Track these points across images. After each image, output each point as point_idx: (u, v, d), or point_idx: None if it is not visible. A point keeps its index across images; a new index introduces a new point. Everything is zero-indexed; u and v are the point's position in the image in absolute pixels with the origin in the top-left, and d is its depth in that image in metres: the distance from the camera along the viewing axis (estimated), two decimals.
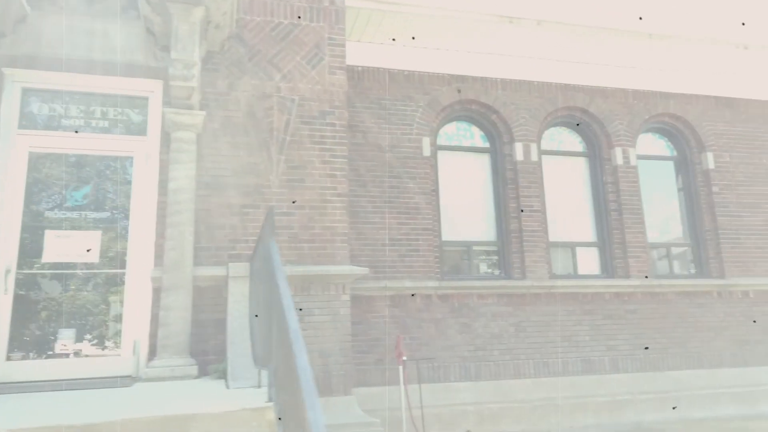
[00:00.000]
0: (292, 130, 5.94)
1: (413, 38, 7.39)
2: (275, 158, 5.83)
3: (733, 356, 7.98)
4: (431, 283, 7.16)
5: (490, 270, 7.92)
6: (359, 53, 7.57)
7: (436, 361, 7.06)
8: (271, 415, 3.13)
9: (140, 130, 5.68)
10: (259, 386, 4.00)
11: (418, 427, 6.11)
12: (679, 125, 8.74)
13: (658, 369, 7.70)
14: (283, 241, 5.69)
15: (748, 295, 8.23)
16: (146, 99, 5.73)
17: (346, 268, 5.72)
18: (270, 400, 3.27)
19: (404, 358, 6.15)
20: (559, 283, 7.59)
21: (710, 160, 8.59)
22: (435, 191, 7.73)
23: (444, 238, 7.71)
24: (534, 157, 8.04)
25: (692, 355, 7.86)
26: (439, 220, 7.70)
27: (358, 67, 7.67)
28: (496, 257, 7.92)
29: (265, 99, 5.94)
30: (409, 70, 7.84)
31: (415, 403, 6.43)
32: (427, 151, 7.67)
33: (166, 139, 5.56)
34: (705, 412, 7.35)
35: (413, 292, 7.13)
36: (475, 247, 7.89)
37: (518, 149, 8.01)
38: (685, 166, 8.77)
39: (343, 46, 6.31)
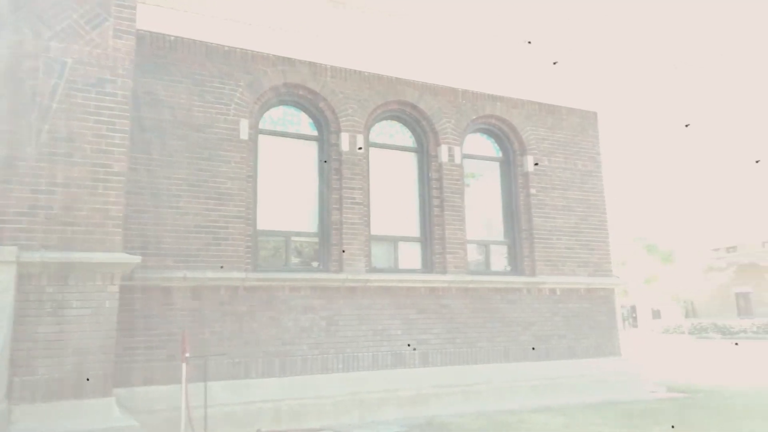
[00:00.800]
0: (60, 96, 5.21)
1: (233, 11, 6.89)
2: (36, 127, 5.08)
3: (537, 350, 8.43)
4: (237, 274, 6.75)
5: (308, 262, 7.68)
6: (173, 21, 6.91)
7: (237, 357, 6.68)
8: None
9: None
10: None
11: (195, 427, 5.68)
12: (504, 128, 9.05)
13: (466, 363, 7.92)
14: (40, 222, 4.98)
15: (555, 292, 8.74)
16: None
17: (115, 256, 5.14)
18: None
19: (187, 354, 5.69)
20: (375, 276, 7.53)
21: (530, 163, 8.99)
22: (252, 177, 7.32)
23: (260, 227, 7.33)
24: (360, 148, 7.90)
25: (499, 349, 8.18)
26: (255, 208, 7.30)
27: (170, 36, 7.03)
28: (316, 249, 7.70)
29: (29, 59, 5.16)
30: (230, 46, 7.33)
31: (204, 402, 6.01)
32: (244, 134, 7.22)
33: None
34: (505, 404, 7.66)
35: (217, 284, 6.68)
36: (294, 238, 7.60)
37: (344, 139, 7.82)
38: (508, 167, 9.12)
39: (134, 8, 5.67)
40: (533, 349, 8.37)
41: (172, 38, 7.04)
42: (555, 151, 9.25)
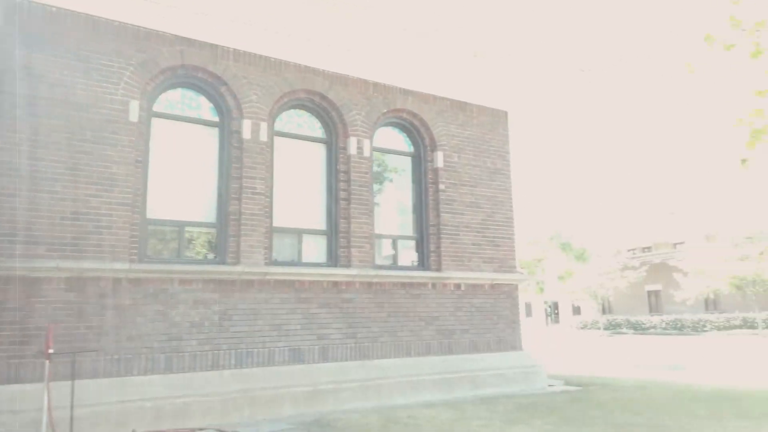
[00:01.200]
0: None
1: None
2: None
3: (439, 345, 8.47)
4: (120, 265, 6.33)
5: (204, 253, 7.34)
6: None
7: (118, 353, 6.27)
8: None
9: None
10: None
11: (59, 428, 5.27)
12: (415, 122, 9.03)
13: (367, 357, 7.83)
14: None
15: (460, 287, 8.82)
16: None
17: None
18: None
19: (51, 350, 5.26)
20: (274, 269, 7.29)
21: (440, 159, 9.01)
22: (142, 162, 6.90)
23: (150, 215, 6.92)
24: (264, 137, 7.62)
25: (402, 343, 8.16)
26: (144, 195, 6.88)
27: (52, 7, 6.48)
28: (212, 240, 7.36)
29: None
30: (121, 22, 6.86)
31: (75, 401, 5.59)
32: (134, 116, 6.79)
33: None
34: (404, 399, 7.64)
35: (96, 275, 6.24)
36: (188, 228, 7.24)
37: (246, 127, 7.52)
38: (419, 162, 9.10)
39: None
40: (436, 343, 8.41)
41: (54, 9, 6.49)
42: (465, 147, 9.32)
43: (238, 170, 7.42)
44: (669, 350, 19.78)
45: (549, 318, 47.00)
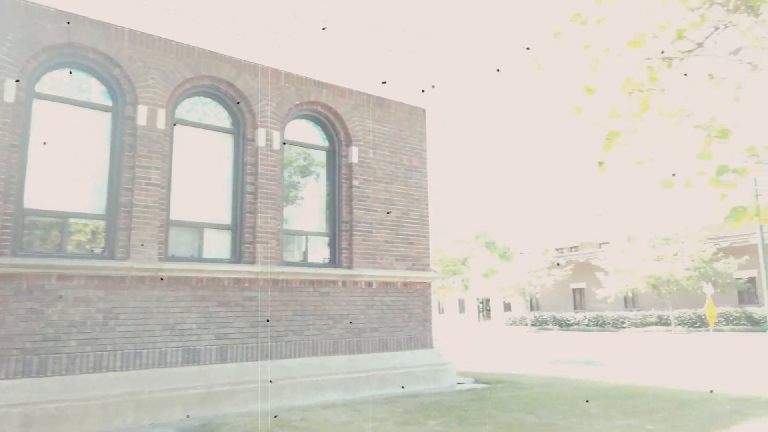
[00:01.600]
0: None
1: None
2: None
3: (348, 343, 8.31)
4: None
5: (91, 247, 6.83)
6: None
7: None
8: None
9: None
10: None
11: None
12: (330, 116, 8.80)
13: (269, 357, 7.56)
14: None
15: (371, 285, 8.68)
16: None
17: None
18: None
19: None
20: (169, 265, 6.89)
21: (355, 155, 8.83)
22: (19, 147, 6.31)
23: (27, 205, 6.35)
24: (161, 124, 7.17)
25: (308, 342, 7.93)
26: (21, 183, 6.31)
27: None
28: (101, 233, 6.86)
29: None
30: None
31: None
32: (10, 97, 6.20)
33: None
34: (306, 400, 7.43)
35: None
36: (73, 220, 6.70)
37: (142, 113, 7.05)
38: (334, 157, 8.89)
39: None
40: (344, 342, 8.23)
41: None
42: (381, 144, 9.18)
43: (132, 159, 6.95)
44: (588, 346, 20.55)
45: (481, 314, 48.07)
